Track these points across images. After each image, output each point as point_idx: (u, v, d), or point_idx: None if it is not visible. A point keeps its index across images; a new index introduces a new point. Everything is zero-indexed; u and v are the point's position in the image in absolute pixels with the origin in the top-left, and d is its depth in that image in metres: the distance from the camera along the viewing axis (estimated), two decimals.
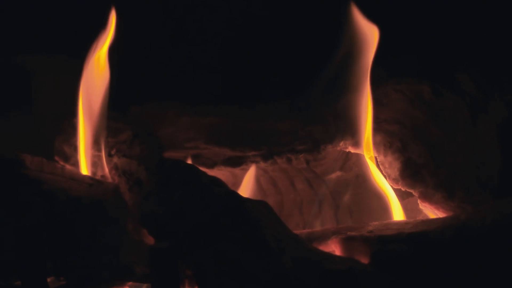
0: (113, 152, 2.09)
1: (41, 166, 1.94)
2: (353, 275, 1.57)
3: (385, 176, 2.15)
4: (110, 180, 2.09)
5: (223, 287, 1.60)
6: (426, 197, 2.06)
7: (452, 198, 2.02)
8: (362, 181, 2.40)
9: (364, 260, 1.67)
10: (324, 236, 1.87)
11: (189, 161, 2.17)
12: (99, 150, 2.10)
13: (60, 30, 2.47)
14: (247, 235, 1.66)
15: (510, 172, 1.98)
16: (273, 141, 2.21)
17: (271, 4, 2.39)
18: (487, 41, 2.19)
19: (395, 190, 2.21)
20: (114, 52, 2.15)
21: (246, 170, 2.27)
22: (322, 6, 2.33)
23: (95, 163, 2.11)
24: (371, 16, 1.98)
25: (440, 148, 2.09)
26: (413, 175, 2.07)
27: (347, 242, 1.77)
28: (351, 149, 2.22)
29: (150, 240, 1.86)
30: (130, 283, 1.90)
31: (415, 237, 1.70)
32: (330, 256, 1.68)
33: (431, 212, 2.11)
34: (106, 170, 2.10)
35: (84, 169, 2.11)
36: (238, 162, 2.21)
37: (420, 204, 2.10)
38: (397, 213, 2.13)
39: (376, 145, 2.14)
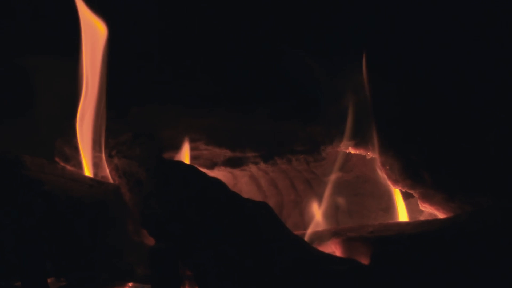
0: (113, 153, 2.09)
1: (42, 167, 1.94)
2: (353, 276, 1.57)
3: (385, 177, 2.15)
4: (110, 181, 2.10)
5: None
6: (426, 198, 2.06)
7: (453, 199, 2.02)
8: (362, 182, 2.40)
9: (364, 261, 1.67)
10: (324, 237, 1.87)
11: (189, 162, 2.17)
12: (99, 151, 2.10)
13: (60, 30, 2.47)
14: (247, 236, 1.66)
15: (510, 173, 1.98)
16: (273, 142, 2.21)
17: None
18: None
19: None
20: (114, 54, 2.15)
21: (246, 171, 2.27)
22: None
23: (96, 164, 2.12)
24: None
25: (441, 149, 2.09)
26: (413, 176, 2.07)
27: (347, 243, 1.77)
28: (351, 150, 2.23)
29: (150, 241, 1.86)
30: (130, 284, 1.90)
31: (416, 238, 1.70)
32: (330, 257, 1.68)
33: (432, 213, 2.11)
34: (107, 171, 2.10)
35: (86, 170, 2.12)
36: (238, 163, 2.21)
37: (420, 205, 2.10)
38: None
39: (376, 146, 2.15)
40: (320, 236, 1.88)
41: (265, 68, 2.35)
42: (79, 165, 2.13)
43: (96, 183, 1.99)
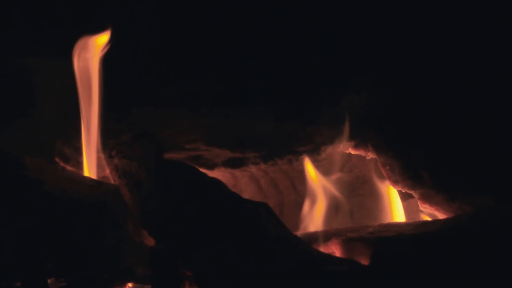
0: (113, 153, 2.09)
1: (42, 168, 1.95)
2: (353, 277, 1.57)
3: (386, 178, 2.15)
4: (111, 181, 2.10)
5: None
6: (426, 199, 2.06)
7: (453, 199, 2.02)
8: (362, 183, 2.40)
9: (364, 261, 1.67)
10: (324, 238, 1.87)
11: (189, 163, 2.17)
12: (99, 151, 2.11)
13: (60, 30, 2.47)
14: (248, 237, 1.66)
15: (510, 173, 1.98)
16: (274, 142, 2.21)
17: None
18: None
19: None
20: (115, 54, 2.15)
21: (246, 171, 2.27)
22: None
23: (99, 165, 2.12)
24: None
25: (441, 149, 2.09)
26: (413, 176, 2.07)
27: (347, 243, 1.76)
28: (351, 151, 2.22)
29: (150, 241, 1.86)
30: (130, 284, 1.90)
31: (416, 238, 1.69)
32: (330, 258, 1.68)
33: (432, 214, 2.11)
34: (106, 171, 2.10)
35: (86, 171, 2.12)
36: (238, 163, 2.21)
37: (420, 206, 2.10)
38: (398, 215, 2.13)
39: (376, 146, 2.14)
40: (320, 237, 1.88)
41: (265, 68, 2.35)
42: (79, 165, 2.13)
43: (96, 183, 1.99)
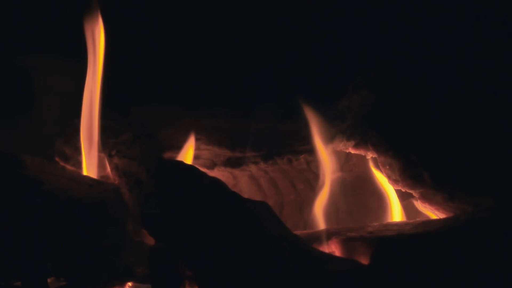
0: (113, 152, 2.09)
1: (42, 167, 1.94)
2: (353, 276, 1.57)
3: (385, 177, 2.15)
4: (111, 180, 2.10)
5: None
6: (426, 198, 2.06)
7: (453, 199, 2.02)
8: (362, 182, 2.40)
9: (364, 261, 1.67)
10: (324, 237, 1.87)
11: (191, 160, 2.17)
12: (99, 150, 2.11)
13: (60, 30, 2.47)
14: (247, 236, 1.65)
15: (510, 173, 1.98)
16: (273, 142, 2.21)
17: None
18: None
19: (396, 191, 2.21)
20: (115, 54, 2.16)
21: (246, 170, 2.27)
22: None
23: (100, 164, 2.12)
24: None
25: (441, 149, 2.09)
26: (413, 176, 2.07)
27: (347, 243, 1.76)
28: (351, 150, 2.22)
29: (150, 240, 1.86)
30: (130, 283, 1.90)
31: (415, 238, 1.69)
32: (330, 257, 1.68)
33: (431, 213, 2.11)
34: (106, 170, 2.10)
35: (85, 170, 2.12)
36: (238, 163, 2.21)
37: (420, 205, 2.10)
38: (396, 214, 2.13)
39: (376, 146, 2.14)
40: (320, 236, 1.88)
41: (265, 68, 2.35)
42: (79, 165, 2.13)
43: (96, 183, 1.99)
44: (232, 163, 2.21)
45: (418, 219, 2.09)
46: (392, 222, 1.99)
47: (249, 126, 2.22)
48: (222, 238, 1.66)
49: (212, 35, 2.46)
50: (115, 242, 1.86)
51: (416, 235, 1.71)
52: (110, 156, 2.09)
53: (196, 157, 2.19)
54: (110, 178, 2.11)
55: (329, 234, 1.88)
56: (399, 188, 2.11)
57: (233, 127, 2.23)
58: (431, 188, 2.05)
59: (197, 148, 2.20)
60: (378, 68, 2.18)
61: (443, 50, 2.23)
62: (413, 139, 2.12)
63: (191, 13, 2.52)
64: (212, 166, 2.20)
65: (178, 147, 2.16)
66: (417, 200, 2.11)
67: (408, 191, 2.09)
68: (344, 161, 2.38)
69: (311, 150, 2.20)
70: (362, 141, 2.17)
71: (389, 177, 2.13)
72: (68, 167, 2.10)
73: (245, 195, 1.97)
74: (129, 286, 1.90)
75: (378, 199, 2.28)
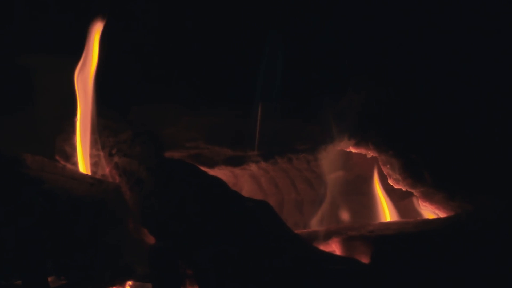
0: (113, 151, 2.09)
1: (42, 166, 1.94)
2: (353, 275, 1.57)
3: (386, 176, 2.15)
4: (110, 179, 2.09)
5: (224, 287, 1.60)
6: (427, 197, 2.06)
7: (453, 198, 2.02)
8: (362, 181, 2.40)
9: (365, 260, 1.67)
10: (324, 236, 1.87)
11: (190, 161, 2.17)
12: (98, 149, 2.10)
13: (60, 30, 2.47)
14: (248, 235, 1.66)
15: (510, 172, 1.98)
16: (274, 141, 2.21)
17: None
18: None
19: (395, 190, 2.21)
20: (115, 53, 2.15)
21: (246, 169, 2.27)
22: None
23: (95, 163, 2.11)
24: None
25: (441, 148, 2.09)
26: (414, 175, 2.07)
27: (348, 242, 1.77)
28: (352, 149, 2.22)
29: (151, 239, 1.86)
30: (130, 282, 1.90)
31: (416, 237, 1.70)
32: (330, 256, 1.68)
33: (432, 212, 2.11)
34: (106, 169, 2.10)
35: (83, 168, 2.11)
36: (238, 162, 2.21)
37: (420, 204, 2.10)
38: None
39: (377, 145, 2.14)
40: (320, 235, 1.88)
41: (265, 67, 2.34)
42: (78, 163, 2.12)
43: (96, 181, 1.99)
44: (233, 162, 2.21)
45: (418, 218, 2.10)
46: (392, 221, 2.00)
47: (249, 125, 2.21)
48: (223, 237, 1.66)
49: (212, 34, 2.46)
50: (116, 240, 1.86)
51: (416, 234, 1.71)
52: (110, 155, 2.09)
53: (196, 156, 2.19)
54: (107, 177, 2.11)
55: (330, 233, 1.88)
56: (400, 187, 2.11)
57: (233, 126, 2.23)
58: (431, 187, 2.05)
59: (197, 147, 2.20)
60: (379, 68, 2.17)
61: (443, 50, 2.23)
62: (414, 138, 2.12)
63: (191, 12, 2.52)
64: (212, 165, 2.20)
65: (179, 145, 2.15)
66: (417, 199, 2.11)
67: (409, 190, 2.09)
68: (344, 160, 2.38)
69: (311, 149, 2.19)
70: (362, 140, 2.17)
71: (389, 176, 2.13)
72: (69, 165, 2.10)
73: (246, 194, 1.97)
74: (129, 285, 1.90)
75: (378, 199, 2.28)
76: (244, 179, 2.34)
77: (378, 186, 2.21)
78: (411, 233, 1.73)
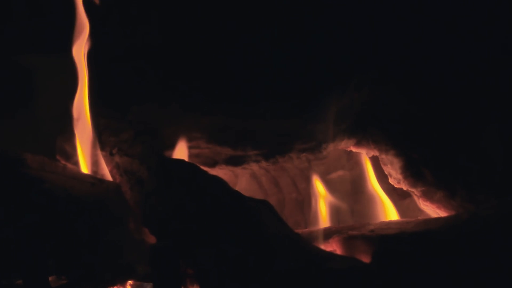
0: (114, 151, 2.09)
1: (43, 165, 1.94)
2: (354, 274, 1.57)
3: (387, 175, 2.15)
4: (110, 179, 2.09)
5: (224, 287, 1.60)
6: (427, 196, 2.06)
7: (454, 197, 2.02)
8: (363, 180, 2.40)
9: (366, 259, 1.67)
10: (325, 236, 1.87)
11: (191, 160, 2.17)
12: (98, 149, 2.11)
13: (60, 29, 2.47)
14: (249, 235, 1.65)
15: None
16: (275, 140, 2.20)
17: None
18: None
19: (396, 190, 2.21)
20: (115, 53, 2.15)
21: (247, 169, 2.27)
22: None
23: (96, 162, 2.11)
24: None
25: (442, 147, 2.08)
26: (414, 174, 2.07)
27: (349, 241, 1.76)
28: (353, 148, 2.22)
29: (151, 239, 1.86)
30: (131, 282, 1.90)
31: (417, 236, 1.69)
32: (331, 256, 1.68)
33: (433, 212, 2.11)
34: (106, 169, 2.10)
35: (84, 168, 2.11)
36: (239, 161, 2.21)
37: (421, 204, 2.10)
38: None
39: (377, 144, 2.14)
40: (321, 235, 1.88)
41: (266, 66, 2.34)
42: (78, 163, 2.13)
43: (97, 181, 1.99)
44: (234, 161, 2.20)
45: (419, 217, 2.09)
46: (393, 221, 1.99)
47: (250, 125, 2.21)
48: (224, 236, 1.66)
49: (213, 34, 2.46)
50: (116, 240, 1.86)
51: (417, 234, 1.71)
52: (111, 155, 2.09)
53: (197, 156, 2.19)
54: (108, 176, 2.11)
55: (330, 233, 1.88)
56: (401, 186, 2.11)
57: (234, 125, 2.23)
58: (432, 186, 2.05)
59: (198, 147, 2.20)
60: (380, 67, 2.17)
61: (444, 49, 2.22)
62: (415, 137, 2.12)
63: (191, 12, 2.51)
64: (213, 164, 2.20)
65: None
66: (418, 199, 2.11)
67: (410, 189, 2.09)
68: (345, 159, 2.38)
69: (312, 149, 2.19)
70: (363, 139, 2.17)
71: (390, 175, 2.13)
72: (69, 165, 2.10)
73: (247, 193, 1.96)
74: (130, 284, 1.90)
75: (379, 198, 2.28)
76: (245, 178, 2.34)
77: (376, 184, 2.20)
78: (412, 232, 1.73)
